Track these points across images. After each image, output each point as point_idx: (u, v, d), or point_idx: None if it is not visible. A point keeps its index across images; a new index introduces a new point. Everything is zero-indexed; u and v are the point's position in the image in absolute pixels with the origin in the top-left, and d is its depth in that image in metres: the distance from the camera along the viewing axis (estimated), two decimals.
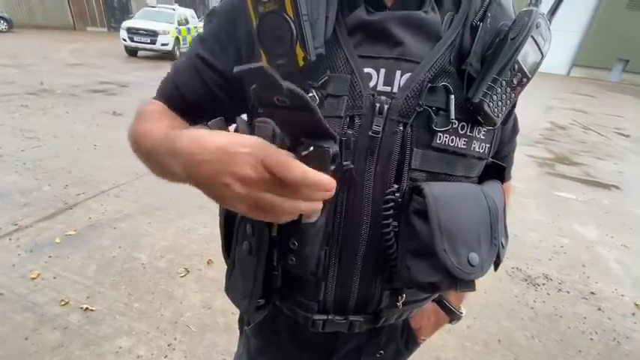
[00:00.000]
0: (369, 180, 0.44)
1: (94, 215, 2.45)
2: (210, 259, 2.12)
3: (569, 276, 2.28)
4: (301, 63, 0.40)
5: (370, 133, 0.43)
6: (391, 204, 0.44)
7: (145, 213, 2.54)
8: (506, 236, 0.52)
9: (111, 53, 10.36)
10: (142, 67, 8.97)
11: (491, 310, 1.93)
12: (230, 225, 0.53)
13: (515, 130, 0.62)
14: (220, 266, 2.10)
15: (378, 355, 0.64)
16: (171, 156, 0.34)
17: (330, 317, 0.52)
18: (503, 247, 0.49)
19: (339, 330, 0.54)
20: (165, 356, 1.51)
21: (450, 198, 0.43)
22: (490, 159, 0.52)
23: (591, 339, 1.80)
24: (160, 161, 0.37)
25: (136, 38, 9.81)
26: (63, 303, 1.71)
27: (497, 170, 0.53)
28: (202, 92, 0.51)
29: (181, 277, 1.97)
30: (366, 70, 0.43)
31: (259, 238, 0.45)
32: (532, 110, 7.77)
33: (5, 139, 3.54)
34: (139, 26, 9.83)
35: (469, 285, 0.44)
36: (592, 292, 2.14)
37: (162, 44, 9.95)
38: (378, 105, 0.42)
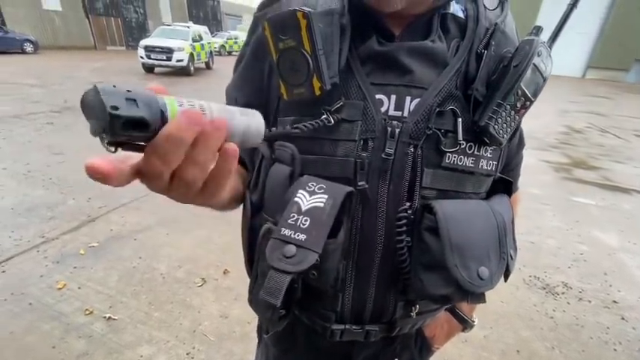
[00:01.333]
0: (382, 198, 0.47)
1: (115, 227, 2.55)
2: (226, 269, 2.16)
3: (590, 284, 2.22)
4: (318, 92, 0.43)
5: (383, 155, 0.45)
6: (404, 221, 0.46)
7: (164, 224, 2.63)
8: (515, 248, 0.53)
9: (129, 70, 10.78)
10: (158, 82, 9.23)
11: (508, 319, 1.89)
12: (253, 239, 0.56)
13: (521, 143, 0.63)
14: (236, 275, 2.15)
15: None
16: None
17: (347, 327, 0.53)
18: (512, 258, 0.50)
19: (356, 339, 0.56)
20: None
21: (460, 216, 0.45)
22: (498, 174, 0.53)
23: (615, 349, 1.75)
24: None
25: (152, 55, 10.20)
26: (87, 312, 1.78)
27: (504, 184, 0.55)
28: None
29: (198, 286, 2.02)
30: (377, 96, 0.46)
31: None
32: (546, 114, 7.64)
33: (33, 156, 3.74)
34: (156, 44, 10.23)
35: (479, 297, 0.46)
36: (615, 301, 2.08)
37: (178, 60, 10.31)
38: (389, 129, 0.45)
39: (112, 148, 0.24)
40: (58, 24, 19.39)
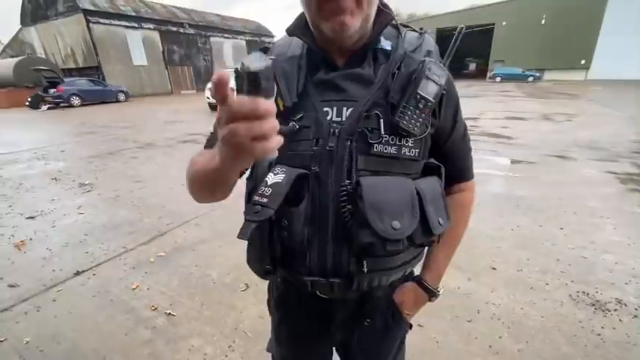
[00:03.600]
0: (330, 178, 0.64)
1: (179, 240, 2.99)
2: None
3: None
4: (282, 108, 0.64)
5: (327, 148, 0.63)
6: (344, 193, 0.63)
7: (218, 238, 3.00)
8: (446, 217, 0.68)
9: (198, 110, 12.30)
10: None
11: (546, 334, 1.79)
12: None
13: (465, 136, 0.77)
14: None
15: (366, 323, 0.80)
16: (213, 156, 0.47)
17: (315, 279, 0.68)
18: (440, 224, 0.66)
19: (323, 289, 0.69)
20: (226, 355, 1.77)
21: (378, 186, 0.62)
22: (425, 160, 0.70)
23: None
24: (206, 169, 0.53)
25: None
26: (153, 308, 2.13)
27: (437, 169, 0.71)
28: None
29: (242, 291, 2.28)
30: (325, 109, 0.65)
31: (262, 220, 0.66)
32: (612, 123, 6.88)
33: (120, 184, 4.53)
34: None
35: (396, 244, 0.61)
36: None
37: None
38: (331, 129, 0.64)
39: (236, 68, 0.35)
40: (144, 76, 23.08)
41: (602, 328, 1.81)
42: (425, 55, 0.65)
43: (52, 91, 15.65)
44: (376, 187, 0.61)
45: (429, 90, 0.62)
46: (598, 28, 23.97)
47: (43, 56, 22.87)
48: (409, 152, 0.65)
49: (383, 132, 0.62)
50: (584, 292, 2.09)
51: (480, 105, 11.64)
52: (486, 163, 4.87)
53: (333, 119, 0.65)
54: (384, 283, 0.73)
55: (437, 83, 0.62)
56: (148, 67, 23.32)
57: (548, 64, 26.77)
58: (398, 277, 0.76)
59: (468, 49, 30.47)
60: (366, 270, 0.67)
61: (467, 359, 1.68)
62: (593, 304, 1.99)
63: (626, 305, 1.96)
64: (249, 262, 0.77)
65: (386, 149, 0.63)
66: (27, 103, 15.93)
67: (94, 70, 21.12)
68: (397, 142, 0.64)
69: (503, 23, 28.08)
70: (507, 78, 25.59)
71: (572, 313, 1.93)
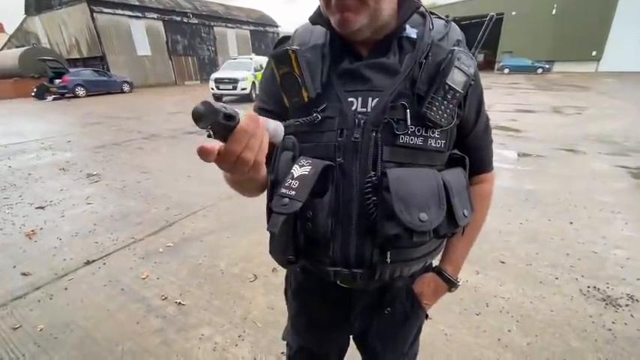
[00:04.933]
0: (355, 170, 0.63)
1: (187, 231, 3.00)
2: (275, 268, 2.41)
3: None
4: (306, 99, 0.63)
5: (352, 139, 0.62)
6: (369, 184, 0.62)
7: (225, 229, 3.01)
8: (470, 209, 0.67)
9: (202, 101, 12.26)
10: None
11: (556, 328, 1.79)
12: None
13: (487, 129, 0.77)
14: (283, 274, 2.35)
15: (386, 312, 0.80)
16: None
17: (338, 269, 0.68)
18: (465, 216, 0.65)
19: (346, 279, 0.69)
20: (236, 345, 1.80)
21: (405, 178, 0.61)
22: (451, 151, 0.69)
23: None
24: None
25: (221, 86, 11.57)
26: (163, 298, 2.15)
27: (462, 160, 0.70)
28: None
29: (251, 281, 2.29)
30: (349, 99, 0.63)
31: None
32: (624, 116, 6.77)
33: (127, 174, 4.55)
34: (224, 76, 11.61)
35: (423, 235, 0.60)
36: None
37: (242, 89, 11.50)
38: (357, 120, 0.62)
39: (207, 134, 0.39)
40: (148, 66, 23.01)
41: (614, 323, 1.80)
42: (454, 44, 0.63)
43: (57, 81, 15.65)
44: (403, 178, 0.60)
45: (457, 80, 0.60)
46: (610, 18, 23.42)
47: (48, 46, 22.86)
48: (435, 143, 0.64)
49: (409, 123, 0.61)
50: (594, 287, 2.07)
51: (489, 97, 11.41)
52: (495, 156, 4.81)
53: (358, 110, 0.64)
54: (405, 273, 0.73)
55: (466, 73, 0.61)
56: (151, 58, 23.21)
57: (559, 55, 26.24)
58: (419, 267, 0.76)
59: (475, 39, 29.91)
60: (389, 261, 0.66)
61: (476, 352, 1.68)
62: (604, 300, 1.98)
63: (637, 301, 1.94)
64: (271, 252, 0.76)
65: (412, 140, 0.62)
66: (33, 94, 15.97)
67: (98, 61, 21.07)
68: (423, 133, 0.63)
69: (513, 13, 27.48)
70: (516, 69, 25.15)
71: (582, 308, 1.92)
